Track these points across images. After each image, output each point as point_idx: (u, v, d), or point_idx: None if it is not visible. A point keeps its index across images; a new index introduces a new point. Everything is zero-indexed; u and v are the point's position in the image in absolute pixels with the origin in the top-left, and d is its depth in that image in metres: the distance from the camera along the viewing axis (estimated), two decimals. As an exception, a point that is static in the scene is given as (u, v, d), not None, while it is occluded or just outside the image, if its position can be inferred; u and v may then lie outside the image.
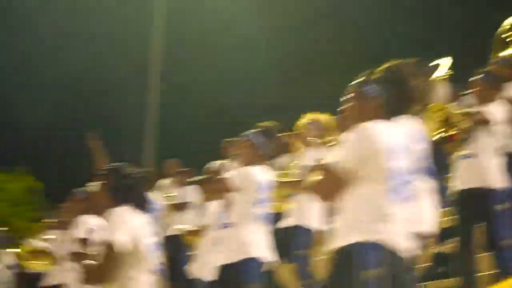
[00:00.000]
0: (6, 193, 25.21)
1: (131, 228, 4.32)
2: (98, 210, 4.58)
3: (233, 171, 5.94)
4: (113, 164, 4.69)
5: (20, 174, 25.86)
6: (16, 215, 23.58)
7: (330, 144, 6.19)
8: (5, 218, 21.37)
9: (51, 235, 8.54)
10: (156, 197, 9.52)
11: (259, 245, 5.71)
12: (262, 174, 5.86)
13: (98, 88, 26.74)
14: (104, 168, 4.68)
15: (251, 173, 5.79)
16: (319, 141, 7.11)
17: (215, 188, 6.01)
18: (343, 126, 3.87)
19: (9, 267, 5.77)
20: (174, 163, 11.55)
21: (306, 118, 7.37)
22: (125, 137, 21.83)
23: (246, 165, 5.89)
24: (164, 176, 11.31)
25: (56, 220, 8.73)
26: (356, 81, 3.92)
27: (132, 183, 4.53)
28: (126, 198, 4.44)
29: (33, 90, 27.41)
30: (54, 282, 7.66)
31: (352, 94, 3.89)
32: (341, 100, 3.97)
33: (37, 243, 8.52)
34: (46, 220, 10.80)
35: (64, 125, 25.77)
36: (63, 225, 8.03)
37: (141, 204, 4.47)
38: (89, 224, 7.24)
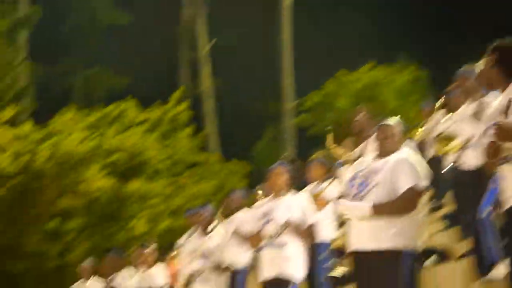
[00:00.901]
0: (393, 84, 25.44)
1: None
2: (493, 86, 4.41)
3: None
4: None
5: (404, 64, 25.98)
6: (403, 106, 23.76)
7: None
8: (393, 110, 21.67)
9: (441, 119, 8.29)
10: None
11: None
12: None
13: None
14: (497, 44, 4.40)
15: None
16: None
17: None
18: None
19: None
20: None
21: None
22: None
23: None
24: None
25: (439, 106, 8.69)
26: None
27: None
28: None
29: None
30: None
31: None
32: None
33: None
34: (428, 108, 10.49)
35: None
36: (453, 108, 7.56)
37: None
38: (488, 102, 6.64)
